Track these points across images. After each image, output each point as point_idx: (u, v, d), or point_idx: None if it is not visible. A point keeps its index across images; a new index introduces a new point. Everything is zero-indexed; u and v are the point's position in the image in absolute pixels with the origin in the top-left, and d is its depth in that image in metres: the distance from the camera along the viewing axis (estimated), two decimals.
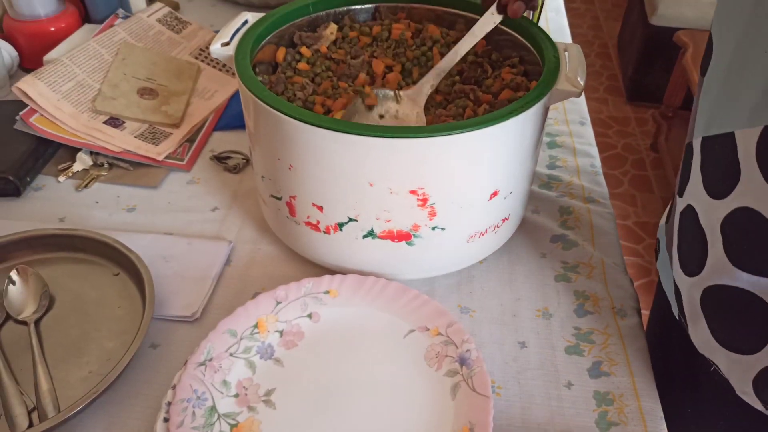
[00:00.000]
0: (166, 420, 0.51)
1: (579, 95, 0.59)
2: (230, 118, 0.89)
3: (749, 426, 0.57)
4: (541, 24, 1.12)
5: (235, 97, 0.92)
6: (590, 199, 0.77)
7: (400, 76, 0.68)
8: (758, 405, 0.53)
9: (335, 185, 0.57)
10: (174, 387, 0.53)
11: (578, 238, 0.72)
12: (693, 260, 0.54)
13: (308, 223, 0.62)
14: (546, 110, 0.61)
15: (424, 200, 0.57)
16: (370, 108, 0.63)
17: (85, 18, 1.03)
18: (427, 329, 0.58)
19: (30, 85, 0.80)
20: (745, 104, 0.45)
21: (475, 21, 0.66)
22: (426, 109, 0.65)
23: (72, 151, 0.81)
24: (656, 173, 2.27)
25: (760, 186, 0.44)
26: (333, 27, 0.72)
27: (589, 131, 0.90)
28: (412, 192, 0.56)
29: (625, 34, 2.79)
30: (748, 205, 0.46)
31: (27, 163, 0.77)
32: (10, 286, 0.62)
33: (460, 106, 0.63)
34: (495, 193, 0.60)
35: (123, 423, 0.54)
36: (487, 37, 0.71)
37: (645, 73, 2.49)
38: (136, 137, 0.82)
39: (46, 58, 0.91)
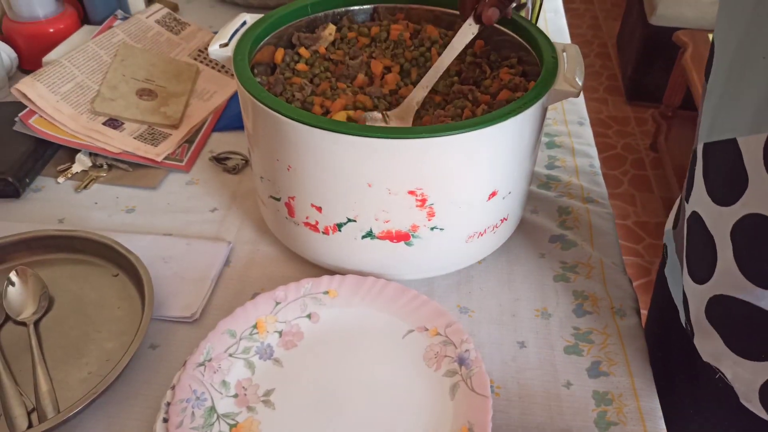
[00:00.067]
0: (165, 420, 0.51)
1: (577, 95, 0.59)
2: (229, 118, 0.89)
3: (751, 427, 0.56)
4: (540, 24, 1.12)
5: (234, 98, 0.92)
6: (589, 199, 0.78)
7: (399, 77, 0.68)
8: (763, 414, 0.53)
9: (334, 186, 0.57)
10: (173, 387, 0.53)
11: (577, 238, 0.72)
12: (702, 267, 0.53)
13: (307, 224, 0.62)
14: (544, 110, 0.61)
15: (423, 200, 0.57)
16: None
17: (84, 19, 1.03)
18: (426, 329, 0.59)
19: (29, 87, 0.80)
20: (747, 109, 0.45)
21: None
22: (425, 109, 0.65)
23: (71, 153, 0.81)
24: (656, 173, 2.27)
25: None
26: (331, 28, 0.72)
27: (587, 131, 0.90)
28: (411, 192, 0.56)
29: (624, 34, 2.79)
30: (759, 211, 0.45)
31: (26, 164, 0.77)
32: (10, 288, 0.62)
33: (458, 107, 0.63)
34: (494, 194, 0.60)
35: (122, 423, 0.54)
36: (486, 38, 0.71)
37: (644, 73, 2.49)
38: (135, 138, 0.82)
39: (45, 59, 0.91)
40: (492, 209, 0.61)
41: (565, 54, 0.62)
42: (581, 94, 0.61)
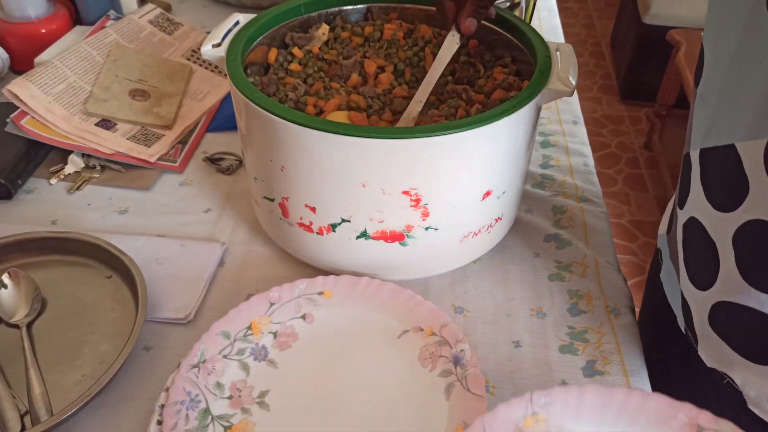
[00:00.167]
0: (159, 423, 0.51)
1: (571, 95, 0.59)
2: (223, 119, 0.88)
3: (751, 427, 0.56)
4: (534, 24, 1.12)
5: (228, 98, 0.92)
6: (583, 198, 0.78)
7: (393, 77, 0.68)
8: None
9: (328, 186, 0.57)
10: (167, 389, 0.53)
11: (572, 237, 0.72)
12: (704, 273, 0.53)
13: (301, 224, 0.62)
14: (538, 110, 0.61)
15: (417, 200, 0.57)
16: None
17: (76, 20, 1.03)
18: (421, 329, 0.58)
19: (21, 88, 0.80)
20: (746, 116, 0.44)
21: None
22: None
23: (64, 154, 0.81)
24: (650, 172, 2.28)
25: None
26: (325, 28, 0.72)
27: (582, 130, 0.90)
28: (405, 192, 0.56)
29: (618, 33, 2.79)
30: (761, 217, 0.45)
31: (18, 165, 0.77)
32: (2, 290, 0.61)
33: (452, 107, 0.63)
34: (488, 193, 0.60)
35: (116, 426, 0.54)
36: (480, 37, 0.71)
37: (638, 71, 2.50)
38: (128, 139, 0.81)
39: (37, 60, 0.90)
40: (486, 209, 0.61)
41: (558, 53, 0.62)
42: (575, 93, 0.61)
